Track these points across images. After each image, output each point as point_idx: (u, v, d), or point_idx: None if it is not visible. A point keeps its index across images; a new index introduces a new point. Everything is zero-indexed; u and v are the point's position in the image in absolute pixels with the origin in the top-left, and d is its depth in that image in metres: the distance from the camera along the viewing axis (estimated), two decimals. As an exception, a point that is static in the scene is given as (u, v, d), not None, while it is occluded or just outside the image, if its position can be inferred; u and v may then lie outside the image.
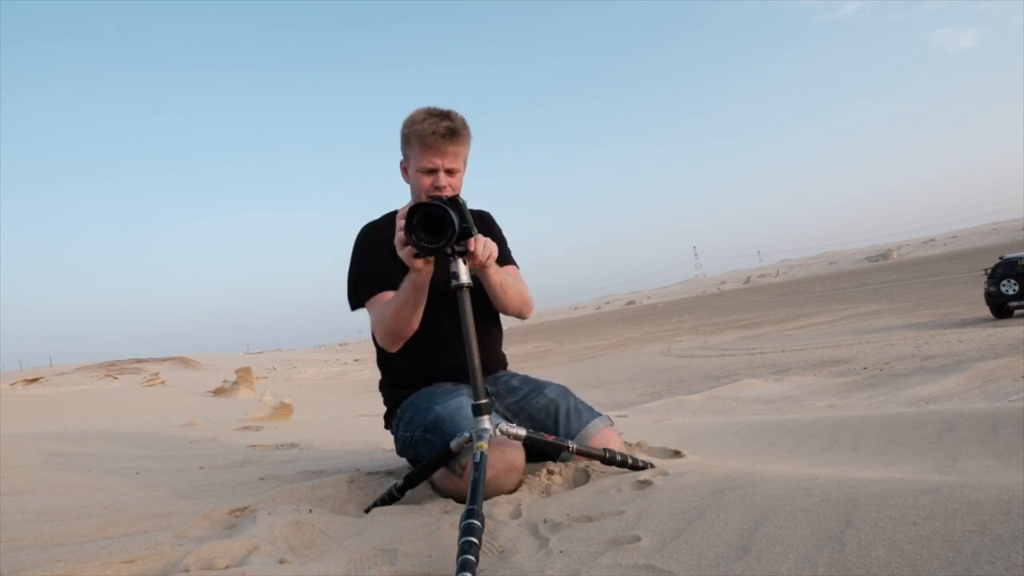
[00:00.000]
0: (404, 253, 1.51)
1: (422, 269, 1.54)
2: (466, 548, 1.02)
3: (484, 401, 1.42)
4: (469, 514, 1.10)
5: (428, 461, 1.50)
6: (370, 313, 1.77)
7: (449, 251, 1.48)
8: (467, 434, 1.41)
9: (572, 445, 1.49)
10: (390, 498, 1.54)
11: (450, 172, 1.78)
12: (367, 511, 1.51)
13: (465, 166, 1.84)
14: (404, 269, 1.63)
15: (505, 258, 1.91)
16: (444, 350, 1.78)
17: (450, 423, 1.56)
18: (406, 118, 1.80)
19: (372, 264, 1.80)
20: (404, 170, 1.87)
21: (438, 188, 1.76)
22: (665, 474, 1.43)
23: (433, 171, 1.76)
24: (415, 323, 1.69)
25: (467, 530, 1.06)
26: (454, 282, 1.50)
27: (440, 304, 1.75)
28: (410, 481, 1.52)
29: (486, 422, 1.39)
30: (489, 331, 1.87)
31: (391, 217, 1.89)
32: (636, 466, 1.52)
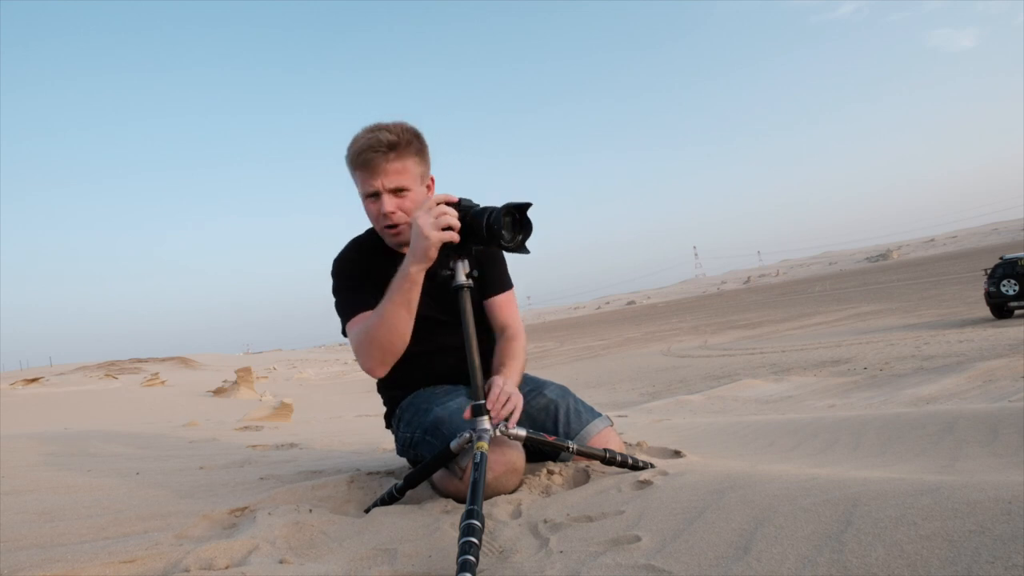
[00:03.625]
0: (438, 236, 1.40)
1: (430, 259, 1.44)
2: (466, 548, 1.02)
3: (484, 401, 1.42)
4: (469, 514, 1.10)
5: (428, 462, 1.50)
6: (351, 333, 1.62)
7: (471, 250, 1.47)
8: (467, 434, 1.41)
9: (572, 446, 1.49)
10: (390, 498, 1.54)
11: (397, 192, 1.57)
12: (367, 511, 1.50)
13: (423, 183, 1.63)
14: (381, 294, 1.53)
15: (502, 281, 1.80)
16: (440, 355, 1.75)
17: (450, 424, 1.55)
18: (351, 141, 1.61)
19: (354, 290, 1.66)
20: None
21: (386, 215, 1.56)
22: (665, 474, 1.43)
23: (375, 194, 1.57)
24: (407, 333, 1.52)
25: (467, 530, 1.06)
26: (456, 281, 1.46)
27: (434, 306, 1.67)
28: (410, 481, 1.51)
29: (486, 422, 1.39)
30: (485, 335, 1.87)
31: (359, 245, 1.77)
32: (636, 466, 1.52)
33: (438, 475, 1.57)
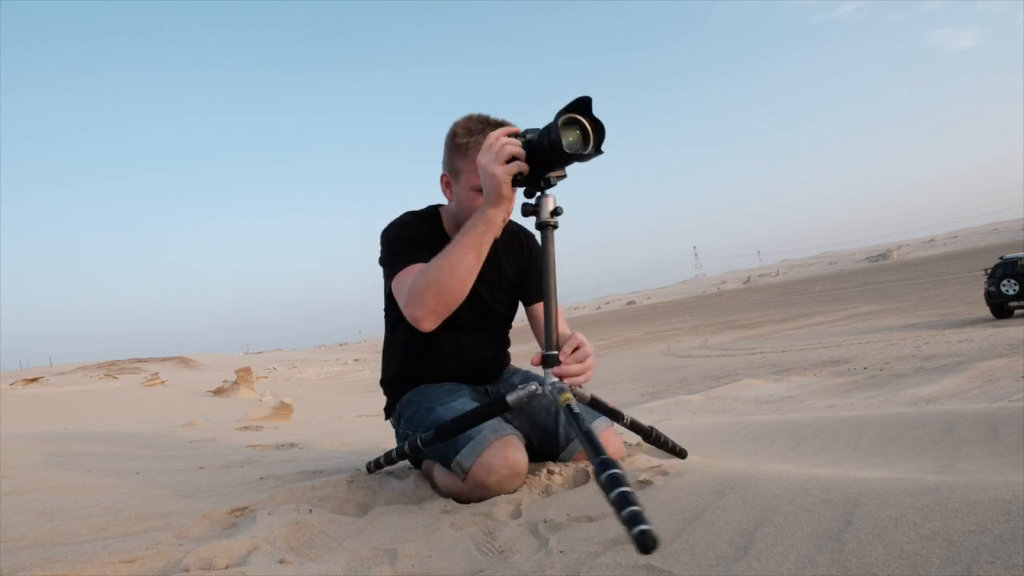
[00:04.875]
0: (504, 170, 1.28)
1: (510, 200, 1.33)
2: (625, 499, 0.84)
3: (554, 352, 1.35)
4: (603, 465, 0.92)
5: (473, 410, 1.37)
6: (403, 281, 1.52)
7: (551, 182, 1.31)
8: (533, 386, 1.32)
9: (627, 417, 1.53)
10: (412, 451, 1.43)
11: None
12: (369, 470, 1.62)
13: None
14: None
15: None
16: (459, 355, 1.75)
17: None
18: (457, 127, 1.58)
19: (410, 251, 1.58)
20: (447, 184, 1.65)
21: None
22: (665, 474, 1.43)
23: None
24: (469, 282, 1.40)
25: (614, 481, 0.88)
26: (540, 219, 1.31)
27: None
28: (441, 432, 1.38)
29: (554, 376, 1.34)
30: (499, 341, 1.87)
31: (419, 215, 1.72)
32: (675, 450, 1.67)
33: (439, 475, 1.57)
